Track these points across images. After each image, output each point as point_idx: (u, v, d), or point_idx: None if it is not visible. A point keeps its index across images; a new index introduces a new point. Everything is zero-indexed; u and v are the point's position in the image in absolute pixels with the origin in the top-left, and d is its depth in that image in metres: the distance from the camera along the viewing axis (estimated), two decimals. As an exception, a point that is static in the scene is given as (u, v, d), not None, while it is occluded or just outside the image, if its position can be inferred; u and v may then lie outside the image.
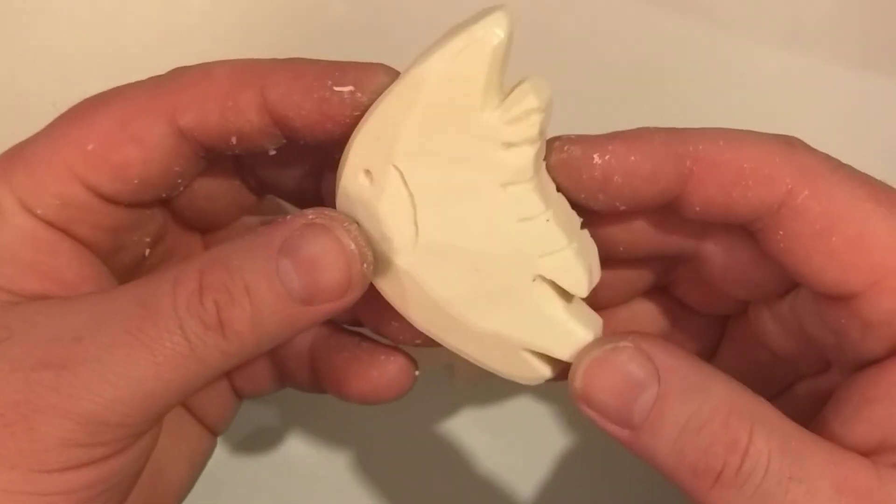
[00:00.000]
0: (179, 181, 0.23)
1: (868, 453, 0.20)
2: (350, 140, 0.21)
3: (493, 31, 0.19)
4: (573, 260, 0.21)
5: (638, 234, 0.23)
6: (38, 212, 0.21)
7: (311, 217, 0.20)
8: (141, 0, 0.29)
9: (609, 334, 0.22)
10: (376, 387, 0.25)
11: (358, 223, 0.21)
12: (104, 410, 0.19)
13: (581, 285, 0.21)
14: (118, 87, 0.22)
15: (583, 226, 0.22)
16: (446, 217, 0.21)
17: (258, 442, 0.35)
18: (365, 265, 0.21)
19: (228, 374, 0.28)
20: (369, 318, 0.25)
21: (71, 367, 0.19)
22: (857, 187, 0.20)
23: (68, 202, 0.22)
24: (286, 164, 0.24)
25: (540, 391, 0.34)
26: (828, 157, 0.21)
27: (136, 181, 0.22)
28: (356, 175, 0.21)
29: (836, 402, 0.21)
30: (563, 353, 0.22)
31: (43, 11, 0.29)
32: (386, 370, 0.25)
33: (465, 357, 0.22)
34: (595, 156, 0.21)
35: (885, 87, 0.32)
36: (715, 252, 0.23)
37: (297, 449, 0.35)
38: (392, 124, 0.20)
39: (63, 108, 0.22)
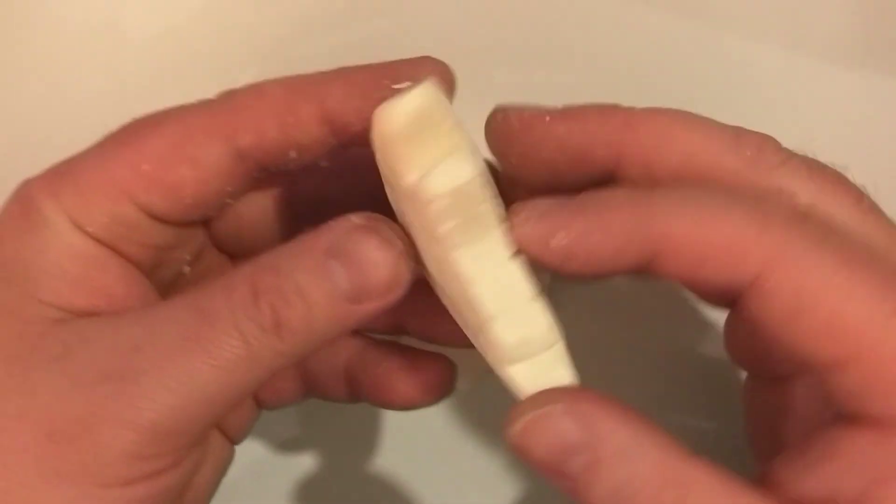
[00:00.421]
0: (229, 200, 0.23)
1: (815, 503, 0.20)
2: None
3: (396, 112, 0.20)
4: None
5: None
6: (88, 229, 0.22)
7: (355, 220, 0.21)
8: (140, 0, 0.29)
9: (547, 391, 0.21)
10: (423, 391, 0.25)
11: (402, 226, 0.21)
12: (166, 419, 0.20)
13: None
14: (170, 109, 0.23)
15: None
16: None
17: (258, 442, 0.35)
18: (410, 263, 0.21)
19: None
20: (419, 322, 0.25)
21: (131, 377, 0.20)
22: (836, 264, 0.19)
23: (117, 220, 0.22)
24: (339, 175, 0.25)
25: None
26: (807, 232, 0.19)
27: (188, 201, 0.22)
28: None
29: (796, 450, 0.21)
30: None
31: (43, 17, 0.29)
32: (431, 374, 0.25)
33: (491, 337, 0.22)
34: (559, 237, 0.20)
35: (885, 88, 0.32)
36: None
37: (297, 448, 0.35)
38: None
39: (112, 127, 0.23)
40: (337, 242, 0.20)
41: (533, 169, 0.22)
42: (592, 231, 0.20)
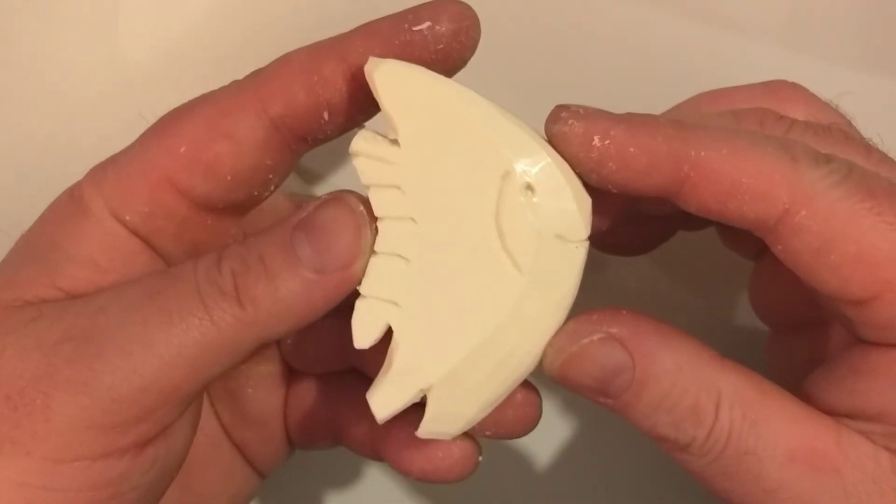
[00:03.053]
0: (271, 176, 0.23)
1: (841, 416, 0.21)
2: None
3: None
4: None
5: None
6: (126, 218, 0.22)
7: (324, 196, 0.21)
8: (141, 0, 0.29)
9: (581, 317, 0.22)
10: (439, 468, 0.24)
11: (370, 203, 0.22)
12: (121, 382, 0.19)
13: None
14: (203, 95, 0.23)
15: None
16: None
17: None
18: (373, 232, 0.21)
19: (286, 422, 0.28)
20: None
21: (91, 337, 0.19)
22: (860, 201, 0.20)
23: (157, 210, 0.22)
24: None
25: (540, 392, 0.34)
26: (832, 170, 0.20)
27: (228, 177, 0.22)
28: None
29: (824, 369, 0.22)
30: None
31: (45, 17, 0.29)
32: (451, 452, 0.24)
33: None
34: (596, 138, 0.20)
35: (885, 88, 0.32)
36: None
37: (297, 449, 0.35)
38: None
39: (152, 119, 0.23)
40: (304, 217, 0.21)
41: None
42: (631, 140, 0.20)
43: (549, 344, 0.22)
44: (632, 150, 0.20)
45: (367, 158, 0.22)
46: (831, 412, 0.21)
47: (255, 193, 0.23)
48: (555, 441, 0.35)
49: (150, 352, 0.20)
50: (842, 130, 0.23)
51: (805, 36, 0.31)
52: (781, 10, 0.31)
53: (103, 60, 0.29)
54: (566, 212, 0.22)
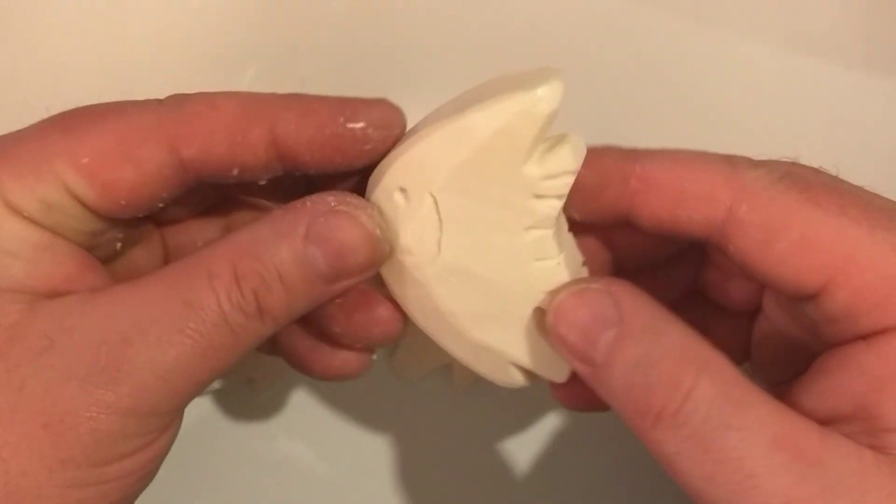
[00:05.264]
0: (161, 204, 0.23)
1: (822, 423, 0.20)
2: (388, 160, 0.22)
3: (550, 100, 0.21)
4: None
5: (636, 244, 0.25)
6: (25, 213, 0.22)
7: (333, 203, 0.21)
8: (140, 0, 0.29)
9: (583, 277, 0.23)
10: (339, 371, 0.26)
11: (378, 208, 0.22)
12: (159, 402, 0.21)
13: None
14: (115, 104, 0.22)
15: (584, 263, 0.25)
16: (469, 246, 0.22)
17: (258, 442, 0.35)
18: (387, 246, 0.22)
19: None
20: (342, 322, 0.25)
21: (125, 368, 0.20)
22: (798, 193, 0.21)
23: (52, 207, 0.22)
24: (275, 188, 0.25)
25: (539, 392, 0.34)
26: (771, 170, 0.21)
27: (122, 202, 0.22)
28: (392, 191, 0.22)
29: (801, 379, 0.22)
30: (549, 375, 0.24)
31: (40, 12, 0.29)
32: (349, 359, 0.26)
33: (449, 352, 0.24)
34: None
35: (885, 88, 0.32)
36: (714, 251, 0.24)
37: (297, 449, 0.35)
38: (437, 158, 0.22)
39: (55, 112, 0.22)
40: (315, 226, 0.21)
41: None
42: (584, 168, 0.22)
43: (548, 293, 0.22)
44: (583, 173, 0.22)
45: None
46: (809, 417, 0.20)
47: (140, 215, 0.23)
48: (556, 444, 0.35)
49: (186, 379, 0.21)
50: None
51: (805, 36, 0.31)
52: (782, 11, 0.31)
53: (103, 59, 0.29)
54: None
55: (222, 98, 0.22)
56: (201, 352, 0.20)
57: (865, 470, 0.19)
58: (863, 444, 0.20)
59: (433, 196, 0.22)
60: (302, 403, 0.34)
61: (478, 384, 0.33)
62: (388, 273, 0.23)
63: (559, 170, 0.22)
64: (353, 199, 0.22)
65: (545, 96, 0.21)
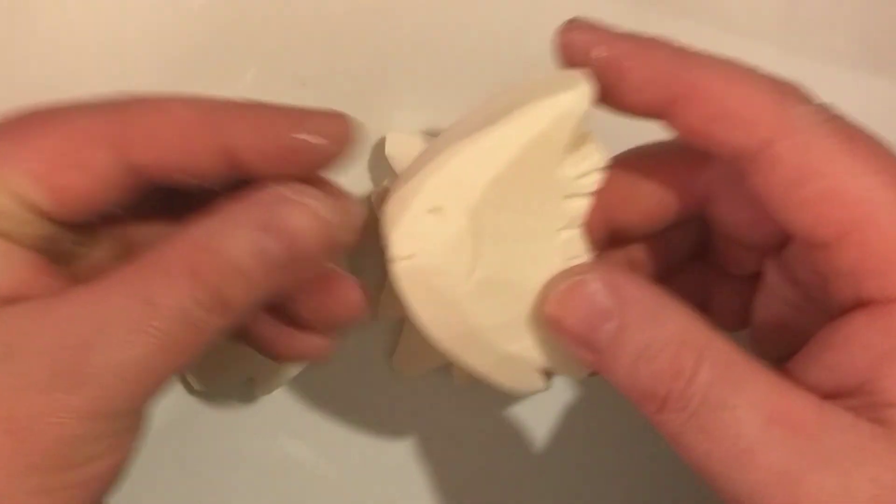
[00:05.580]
0: (114, 207, 0.23)
1: (825, 397, 0.20)
2: (417, 180, 0.22)
3: (581, 102, 0.21)
4: None
5: (652, 205, 0.25)
6: None
7: (286, 193, 0.21)
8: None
9: (578, 265, 0.23)
10: (304, 354, 0.26)
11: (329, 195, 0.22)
12: (124, 403, 0.20)
13: None
14: (64, 107, 0.22)
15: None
16: (503, 256, 0.22)
17: (258, 442, 0.35)
18: (345, 232, 0.22)
19: None
20: (306, 304, 0.25)
21: (88, 371, 0.20)
22: (840, 142, 0.20)
23: (3, 214, 0.21)
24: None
25: (539, 392, 0.34)
26: (820, 109, 0.21)
27: (71, 206, 0.22)
28: (424, 211, 0.22)
29: (804, 351, 0.22)
30: (571, 373, 0.24)
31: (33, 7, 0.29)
32: (314, 342, 0.26)
33: (469, 370, 0.24)
34: (598, 49, 0.22)
35: (885, 88, 0.32)
36: (723, 212, 0.24)
37: (297, 449, 0.35)
38: (472, 173, 0.22)
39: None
40: (269, 216, 0.21)
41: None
42: (632, 55, 0.21)
43: (547, 284, 0.22)
44: (630, 64, 0.21)
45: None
46: (813, 391, 0.21)
47: (93, 219, 0.23)
48: (557, 443, 0.35)
49: (149, 377, 0.21)
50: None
51: (804, 36, 0.31)
52: (782, 11, 0.31)
53: (103, 58, 0.29)
54: None
55: (175, 104, 0.22)
56: (164, 350, 0.20)
57: (862, 443, 0.19)
58: (862, 417, 0.20)
59: (469, 212, 0.22)
60: (302, 403, 0.34)
61: (478, 382, 0.33)
62: (412, 297, 0.23)
63: (590, 168, 0.22)
64: (306, 189, 0.22)
65: (577, 99, 0.21)
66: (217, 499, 0.35)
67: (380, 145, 0.30)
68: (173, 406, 0.34)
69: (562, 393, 0.35)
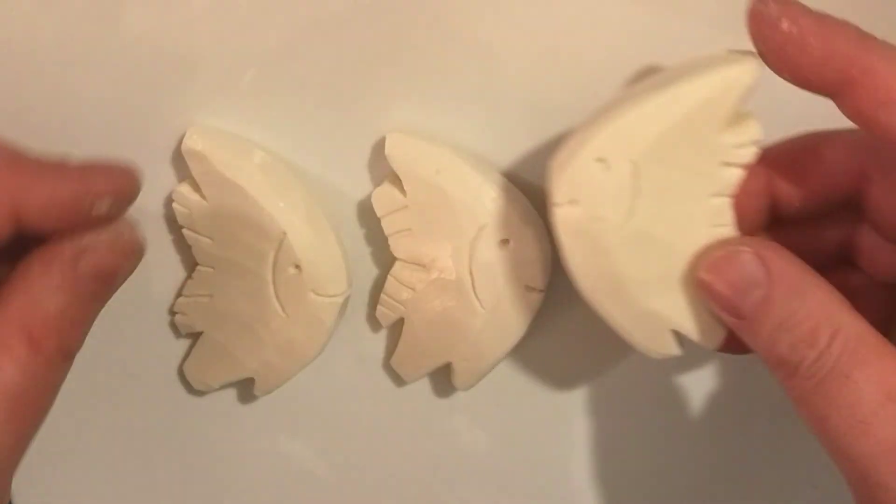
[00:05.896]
0: None
1: None
2: (589, 132, 0.24)
3: (752, 73, 0.23)
4: None
5: (814, 180, 0.26)
6: None
7: (94, 235, 0.23)
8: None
9: (734, 238, 0.25)
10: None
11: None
12: None
13: None
14: None
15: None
16: (658, 212, 0.24)
17: (258, 442, 0.35)
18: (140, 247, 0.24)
19: None
20: None
21: None
22: None
23: None
24: None
25: (538, 393, 0.34)
26: None
27: None
28: (591, 160, 0.24)
29: None
30: (704, 341, 0.25)
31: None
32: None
33: (610, 320, 0.26)
34: (785, 22, 0.22)
35: None
36: (878, 200, 0.25)
37: (297, 449, 0.35)
38: (642, 127, 0.24)
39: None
40: (83, 262, 0.23)
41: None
42: (816, 32, 0.22)
43: (700, 251, 0.24)
44: (813, 40, 0.22)
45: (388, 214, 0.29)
46: None
47: None
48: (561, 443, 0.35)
49: (13, 452, 0.22)
50: None
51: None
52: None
53: (103, 60, 0.29)
54: (533, 262, 0.29)
55: None
56: (19, 417, 0.21)
57: None
58: None
59: (632, 165, 0.24)
60: (302, 403, 0.34)
61: (478, 384, 0.33)
62: (567, 241, 0.25)
63: (749, 139, 0.24)
64: (93, 237, 0.23)
65: (744, 73, 0.23)
66: (216, 499, 0.35)
67: (380, 145, 0.30)
68: (173, 406, 0.34)
69: (560, 396, 0.34)
